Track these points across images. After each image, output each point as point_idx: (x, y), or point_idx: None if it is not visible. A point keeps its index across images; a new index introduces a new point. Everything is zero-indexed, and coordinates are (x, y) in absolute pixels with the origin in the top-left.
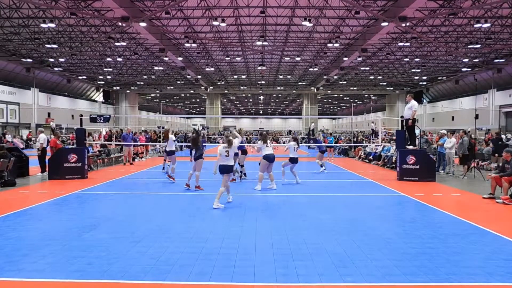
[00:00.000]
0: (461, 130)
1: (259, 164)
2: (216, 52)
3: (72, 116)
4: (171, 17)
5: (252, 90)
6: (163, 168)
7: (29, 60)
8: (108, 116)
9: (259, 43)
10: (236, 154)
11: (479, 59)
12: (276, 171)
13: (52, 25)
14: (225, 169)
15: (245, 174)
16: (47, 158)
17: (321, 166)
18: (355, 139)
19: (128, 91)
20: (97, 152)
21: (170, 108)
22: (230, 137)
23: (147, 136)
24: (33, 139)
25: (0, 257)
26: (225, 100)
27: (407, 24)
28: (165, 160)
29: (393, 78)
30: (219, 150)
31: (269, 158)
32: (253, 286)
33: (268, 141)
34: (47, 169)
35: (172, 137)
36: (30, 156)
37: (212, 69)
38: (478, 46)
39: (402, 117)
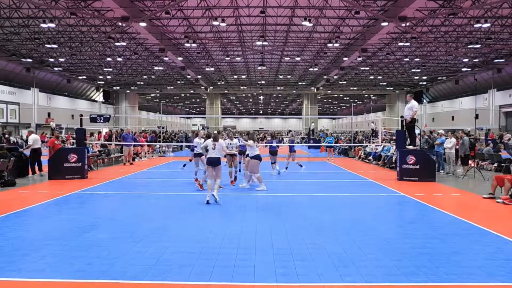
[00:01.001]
0: (461, 130)
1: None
2: (216, 52)
3: (72, 116)
4: (171, 17)
5: (252, 90)
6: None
7: (29, 60)
8: (108, 116)
9: (259, 43)
10: (234, 155)
11: (479, 59)
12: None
13: (52, 25)
14: (209, 161)
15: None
16: (45, 158)
17: (286, 167)
18: (354, 139)
19: (128, 91)
20: (97, 152)
21: (170, 108)
22: (215, 133)
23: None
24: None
25: (0, 257)
26: (225, 100)
27: (407, 24)
28: (190, 160)
29: (393, 78)
30: (207, 145)
31: (260, 158)
32: (253, 286)
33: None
34: (45, 169)
35: (197, 139)
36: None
37: (212, 69)
38: (478, 46)
39: (402, 117)
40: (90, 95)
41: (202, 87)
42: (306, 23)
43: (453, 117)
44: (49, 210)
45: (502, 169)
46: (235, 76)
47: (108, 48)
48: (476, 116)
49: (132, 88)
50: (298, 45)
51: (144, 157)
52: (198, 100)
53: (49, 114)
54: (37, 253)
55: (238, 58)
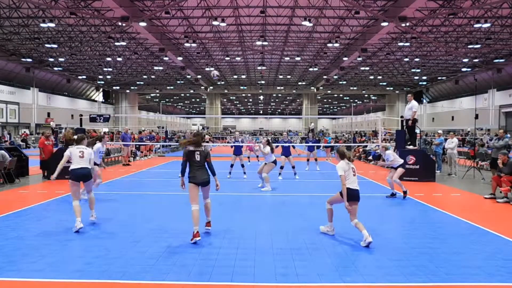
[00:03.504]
0: (502, 130)
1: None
2: (216, 52)
3: (72, 116)
4: (171, 17)
5: (252, 90)
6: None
7: (28, 59)
8: (108, 116)
9: (259, 43)
10: (239, 154)
11: (479, 59)
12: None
13: (51, 24)
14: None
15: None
16: (36, 158)
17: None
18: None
19: (128, 91)
20: None
21: (170, 108)
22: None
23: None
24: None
25: (0, 257)
26: (225, 100)
27: (407, 24)
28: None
29: (393, 78)
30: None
31: None
32: (253, 286)
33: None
34: (38, 171)
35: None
36: (30, 156)
37: (212, 68)
38: (478, 46)
39: (402, 117)
40: (90, 95)
41: (202, 87)
42: (306, 23)
43: (453, 117)
44: (49, 210)
45: (497, 168)
46: (235, 76)
47: (108, 48)
48: (476, 116)
49: (132, 88)
50: (298, 45)
51: (144, 157)
52: (198, 100)
53: (48, 114)
54: (36, 253)
55: (238, 58)
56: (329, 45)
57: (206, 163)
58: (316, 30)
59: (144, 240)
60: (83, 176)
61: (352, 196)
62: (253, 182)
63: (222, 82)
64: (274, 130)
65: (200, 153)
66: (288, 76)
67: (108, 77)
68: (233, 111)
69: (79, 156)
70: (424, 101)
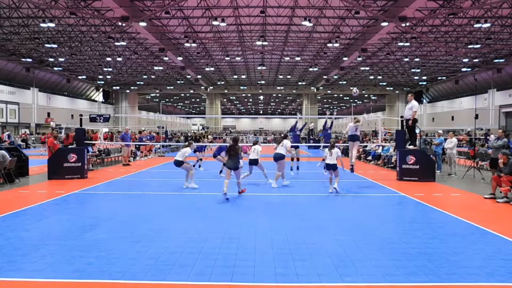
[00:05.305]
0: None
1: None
2: (216, 52)
3: (72, 116)
4: (171, 17)
5: (252, 90)
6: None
7: (28, 59)
8: (108, 116)
9: (259, 43)
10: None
11: (479, 59)
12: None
13: (51, 24)
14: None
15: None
16: (44, 158)
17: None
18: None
19: (128, 91)
20: (97, 152)
21: (170, 108)
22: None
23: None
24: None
25: (0, 257)
26: (225, 100)
27: (407, 24)
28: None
29: (393, 78)
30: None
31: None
32: (253, 286)
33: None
34: (44, 169)
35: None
36: (30, 156)
37: (212, 69)
38: (478, 46)
39: (402, 117)
40: (89, 95)
41: (202, 87)
42: (306, 23)
43: (453, 117)
44: (49, 210)
45: (497, 168)
46: (235, 76)
47: (108, 48)
48: (476, 116)
49: (132, 88)
50: (298, 45)
51: (144, 157)
52: (198, 100)
53: (48, 114)
54: (36, 253)
55: (238, 58)
56: (329, 45)
57: (238, 155)
58: (316, 30)
59: (144, 240)
60: (176, 163)
61: (328, 165)
62: (253, 182)
63: (222, 82)
64: (274, 130)
65: (238, 148)
66: (288, 76)
67: (108, 77)
68: (233, 111)
69: (179, 151)
70: (424, 101)
